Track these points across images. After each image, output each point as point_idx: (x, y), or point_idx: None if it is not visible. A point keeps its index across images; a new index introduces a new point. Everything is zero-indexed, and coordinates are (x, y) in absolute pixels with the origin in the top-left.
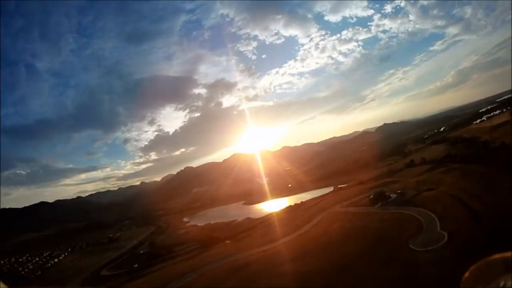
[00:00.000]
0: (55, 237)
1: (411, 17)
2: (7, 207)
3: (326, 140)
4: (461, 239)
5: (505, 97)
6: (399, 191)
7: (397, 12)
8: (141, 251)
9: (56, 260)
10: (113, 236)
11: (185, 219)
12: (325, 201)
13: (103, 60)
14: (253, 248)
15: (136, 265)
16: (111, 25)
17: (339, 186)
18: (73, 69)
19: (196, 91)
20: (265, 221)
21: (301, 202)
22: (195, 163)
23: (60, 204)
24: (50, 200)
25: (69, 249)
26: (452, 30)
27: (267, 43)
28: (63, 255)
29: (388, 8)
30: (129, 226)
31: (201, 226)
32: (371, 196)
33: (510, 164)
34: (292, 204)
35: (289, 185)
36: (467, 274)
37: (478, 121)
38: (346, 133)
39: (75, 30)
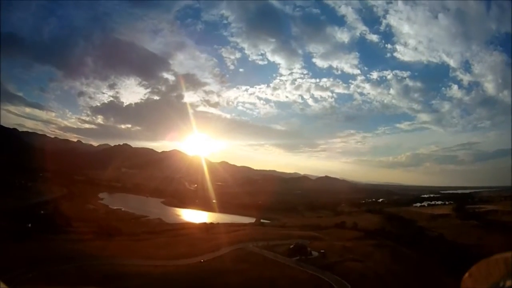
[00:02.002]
0: None
1: (392, 91)
2: None
3: (265, 170)
4: None
5: (450, 191)
6: (322, 251)
7: (381, 82)
8: (42, 212)
9: None
10: (25, 183)
11: (100, 195)
12: (241, 232)
13: (95, 5)
14: (143, 258)
15: (30, 225)
16: None
17: (261, 220)
18: (65, 1)
19: (165, 75)
20: (174, 230)
21: (218, 223)
22: (134, 143)
23: None
24: None
25: None
26: (424, 117)
27: (250, 59)
28: None
29: (375, 75)
30: (45, 179)
31: (111, 209)
32: (291, 246)
33: (447, 259)
34: (208, 222)
35: (214, 201)
36: (467, 274)
37: (418, 205)
38: (287, 171)
39: None
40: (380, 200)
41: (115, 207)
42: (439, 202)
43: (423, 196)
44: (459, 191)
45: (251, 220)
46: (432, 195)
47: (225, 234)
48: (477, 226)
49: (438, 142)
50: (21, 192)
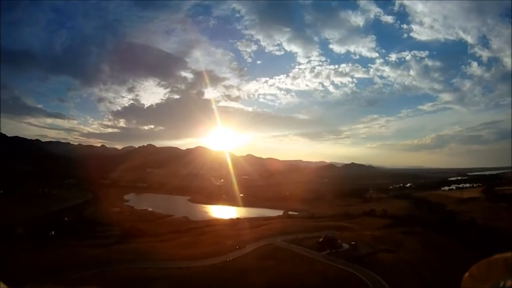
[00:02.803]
0: None
1: (412, 72)
2: None
3: (291, 160)
4: None
5: (476, 173)
6: (352, 243)
7: (400, 64)
8: (66, 218)
9: None
10: (48, 191)
11: (125, 197)
12: (269, 226)
13: (105, 12)
14: (167, 259)
15: (53, 233)
16: None
17: (289, 212)
18: (74, 12)
19: (183, 73)
20: (199, 228)
21: (244, 218)
22: (158, 143)
23: (16, 141)
24: (9, 134)
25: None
26: (446, 96)
27: (267, 51)
28: None
29: (393, 57)
30: (70, 185)
31: (136, 211)
32: (320, 239)
33: (479, 244)
34: (234, 217)
35: (241, 195)
36: (467, 274)
37: (446, 188)
38: (313, 160)
39: None
40: (408, 184)
41: (140, 208)
42: (467, 185)
43: (450, 179)
44: (486, 173)
45: (279, 212)
46: (459, 178)
47: (251, 229)
48: (507, 208)
49: (462, 122)
50: (45, 200)
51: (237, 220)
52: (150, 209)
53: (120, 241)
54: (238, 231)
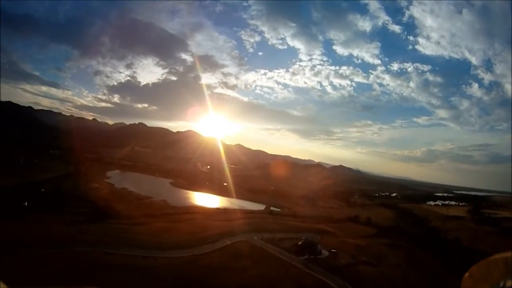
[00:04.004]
0: None
1: (412, 84)
2: None
3: (280, 155)
4: None
5: (463, 192)
6: (333, 250)
7: (401, 74)
8: (42, 190)
9: None
10: (30, 160)
11: (108, 174)
12: (248, 221)
13: None
14: (134, 246)
15: (26, 204)
16: None
17: (271, 208)
18: None
19: (183, 55)
20: (176, 214)
21: (224, 209)
22: (150, 123)
23: (8, 106)
24: (2, 98)
25: None
26: (442, 113)
27: (269, 43)
28: None
29: (395, 66)
30: (55, 156)
31: (115, 189)
32: (299, 243)
33: (463, 266)
34: (214, 207)
35: (225, 184)
36: (467, 274)
37: (432, 203)
38: (302, 157)
39: None
40: (394, 194)
41: (120, 187)
42: (453, 203)
43: (436, 194)
44: (472, 193)
45: (261, 207)
46: (445, 194)
47: (229, 222)
48: (492, 232)
49: (454, 140)
50: (25, 169)
51: (217, 210)
52: (129, 189)
53: (91, 219)
54: (215, 222)
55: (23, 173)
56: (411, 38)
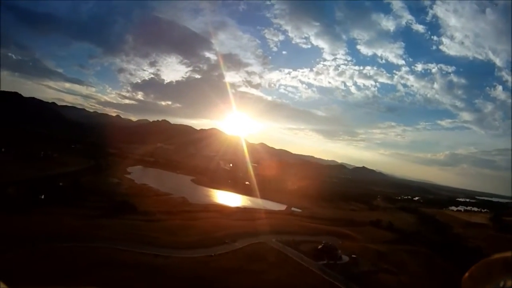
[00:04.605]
0: (3, 129)
1: (436, 85)
2: None
3: (303, 155)
4: None
5: (485, 198)
6: (353, 256)
7: (425, 75)
8: (60, 183)
9: None
10: (51, 154)
11: (129, 169)
12: (267, 221)
13: None
14: (147, 244)
15: (42, 197)
16: None
17: (292, 208)
18: None
19: (207, 54)
20: (193, 211)
21: (244, 208)
22: (173, 120)
23: (32, 102)
24: (25, 94)
25: (3, 149)
26: (466, 115)
27: (293, 42)
28: None
29: (419, 67)
30: (76, 151)
31: (135, 184)
32: (319, 247)
33: None
34: (234, 206)
35: (246, 182)
36: (467, 274)
37: (454, 208)
38: (325, 158)
39: None
40: (416, 198)
41: (140, 182)
42: (475, 209)
43: (458, 199)
44: (494, 199)
45: (282, 207)
46: (467, 200)
47: (248, 222)
48: None
49: (477, 143)
50: (44, 163)
51: (236, 209)
52: (149, 185)
53: (106, 214)
54: (234, 221)
55: (41, 167)
56: (435, 38)
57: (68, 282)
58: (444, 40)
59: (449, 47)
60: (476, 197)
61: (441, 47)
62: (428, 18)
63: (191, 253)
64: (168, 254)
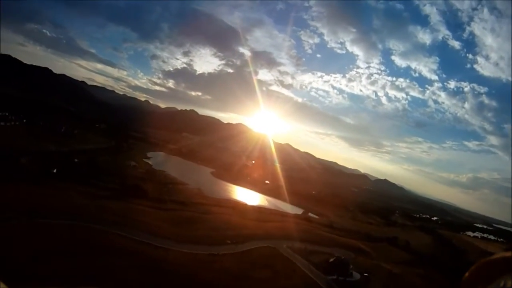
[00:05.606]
0: (30, 102)
1: (466, 105)
2: (15, 57)
3: (326, 160)
4: None
5: (502, 226)
6: (365, 274)
7: (457, 93)
8: (76, 160)
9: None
10: (71, 131)
11: (148, 154)
12: (281, 224)
13: None
14: (150, 233)
15: (55, 171)
16: None
17: (309, 214)
18: None
19: (241, 49)
20: (206, 204)
21: (259, 207)
22: (201, 111)
23: (61, 79)
24: (56, 71)
25: (24, 120)
26: (493, 139)
27: (328, 46)
28: (12, 123)
29: (452, 84)
30: (99, 130)
31: (152, 170)
32: (331, 260)
33: None
34: (249, 204)
35: (266, 181)
36: (467, 274)
37: (471, 234)
38: (348, 166)
39: None
40: (434, 218)
41: (158, 168)
42: (491, 237)
43: (476, 224)
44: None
45: (299, 211)
46: (485, 226)
47: (261, 223)
48: None
49: (501, 170)
50: (64, 138)
51: (251, 208)
52: (167, 172)
53: (114, 196)
54: (246, 220)
55: (61, 142)
56: (470, 56)
57: (62, 264)
58: (479, 59)
59: (484, 67)
60: (493, 224)
61: (475, 66)
62: (465, 35)
63: (195, 248)
64: (169, 247)
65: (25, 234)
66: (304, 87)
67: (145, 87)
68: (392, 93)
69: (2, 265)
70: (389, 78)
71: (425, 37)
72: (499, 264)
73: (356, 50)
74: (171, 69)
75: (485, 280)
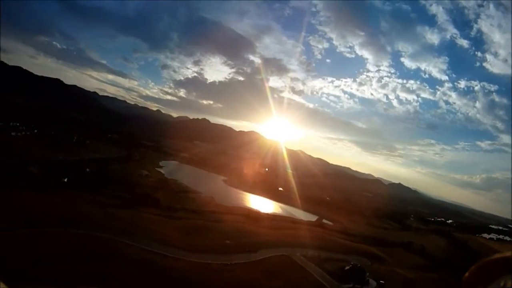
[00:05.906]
0: (41, 113)
1: (478, 104)
2: (26, 68)
3: (340, 166)
4: None
5: None
6: (381, 282)
7: (468, 93)
8: (87, 169)
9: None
10: (83, 140)
11: (161, 163)
12: (295, 232)
13: None
14: (159, 242)
15: (65, 180)
16: None
17: (323, 220)
18: None
19: (251, 57)
20: (218, 213)
21: (273, 215)
22: (213, 119)
23: (73, 89)
24: (67, 82)
25: (35, 130)
26: (506, 138)
27: (338, 51)
28: (23, 133)
29: (462, 84)
30: (111, 140)
31: (164, 178)
32: (346, 267)
33: None
34: (263, 212)
35: (280, 189)
36: (467, 274)
37: (487, 236)
38: (361, 170)
39: None
40: (449, 221)
41: (170, 177)
42: (507, 238)
43: (491, 226)
44: None
45: (313, 217)
46: (500, 228)
47: (275, 231)
48: None
49: None
50: (75, 148)
51: (264, 216)
52: (179, 181)
53: (124, 205)
54: (259, 228)
55: (72, 151)
56: (479, 54)
57: (65, 270)
58: (488, 56)
59: (493, 64)
60: (508, 225)
61: (484, 64)
62: (473, 33)
63: (205, 258)
64: (178, 256)
65: (28, 241)
66: (315, 92)
67: (156, 96)
68: (403, 95)
69: (3, 267)
70: (400, 81)
71: (433, 37)
72: (499, 264)
73: (365, 53)
74: (182, 78)
75: (485, 280)
